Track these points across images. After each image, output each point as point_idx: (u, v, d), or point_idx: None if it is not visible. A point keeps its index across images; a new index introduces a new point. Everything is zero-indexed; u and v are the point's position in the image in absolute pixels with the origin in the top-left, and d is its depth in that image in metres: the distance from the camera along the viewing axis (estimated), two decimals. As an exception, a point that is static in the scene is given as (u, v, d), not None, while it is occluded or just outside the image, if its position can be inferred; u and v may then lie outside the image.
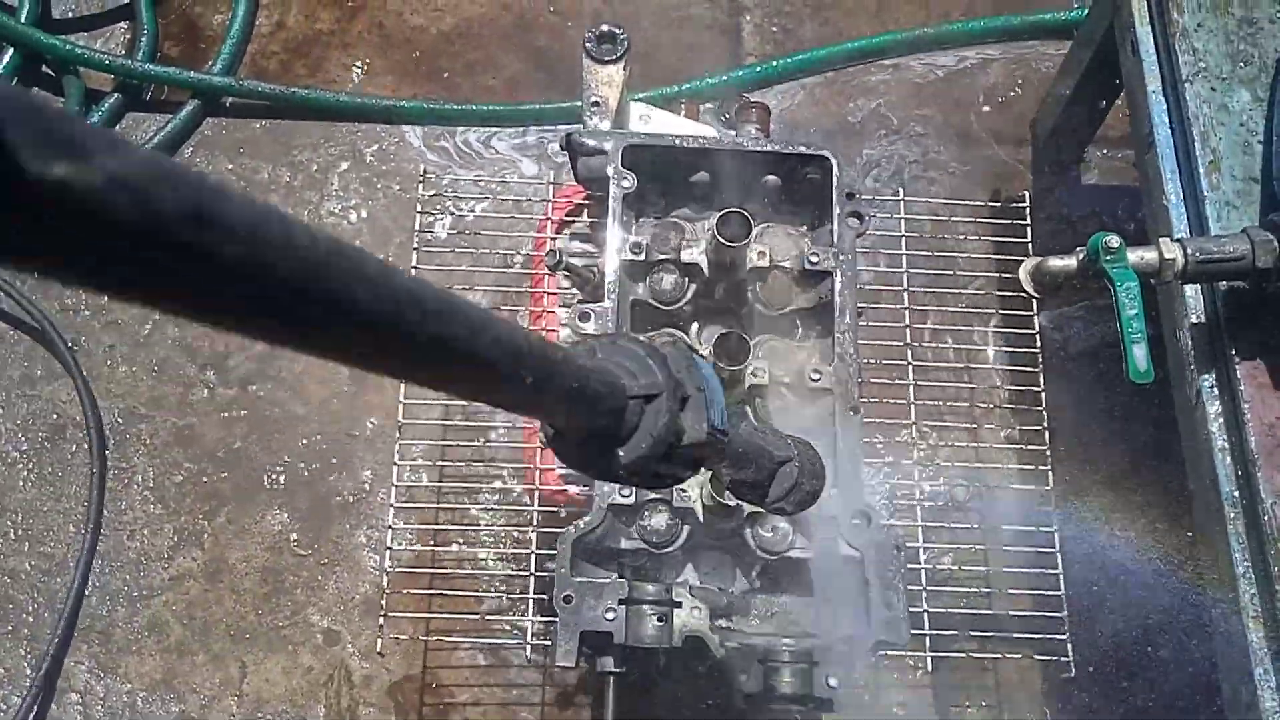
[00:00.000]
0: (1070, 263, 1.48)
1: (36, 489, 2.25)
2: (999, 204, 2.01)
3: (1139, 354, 1.36)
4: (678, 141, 1.78)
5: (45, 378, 2.33)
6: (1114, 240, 1.41)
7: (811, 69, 2.59)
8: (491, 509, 2.14)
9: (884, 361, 1.90)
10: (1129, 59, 1.82)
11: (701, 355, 1.63)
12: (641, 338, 0.74)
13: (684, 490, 1.58)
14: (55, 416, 2.30)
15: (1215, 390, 1.57)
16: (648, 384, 0.70)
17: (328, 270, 0.43)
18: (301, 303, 0.42)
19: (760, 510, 1.57)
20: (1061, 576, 1.83)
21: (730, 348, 1.62)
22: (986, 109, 2.56)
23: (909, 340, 1.92)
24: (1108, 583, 2.00)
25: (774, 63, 2.58)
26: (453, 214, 2.30)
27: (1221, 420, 1.55)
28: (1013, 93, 2.58)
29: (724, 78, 2.55)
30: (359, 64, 2.62)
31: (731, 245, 1.63)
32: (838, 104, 2.58)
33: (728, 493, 1.51)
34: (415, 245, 1.95)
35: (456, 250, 1.96)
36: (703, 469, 0.88)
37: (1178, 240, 1.45)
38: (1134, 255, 1.44)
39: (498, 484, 2.13)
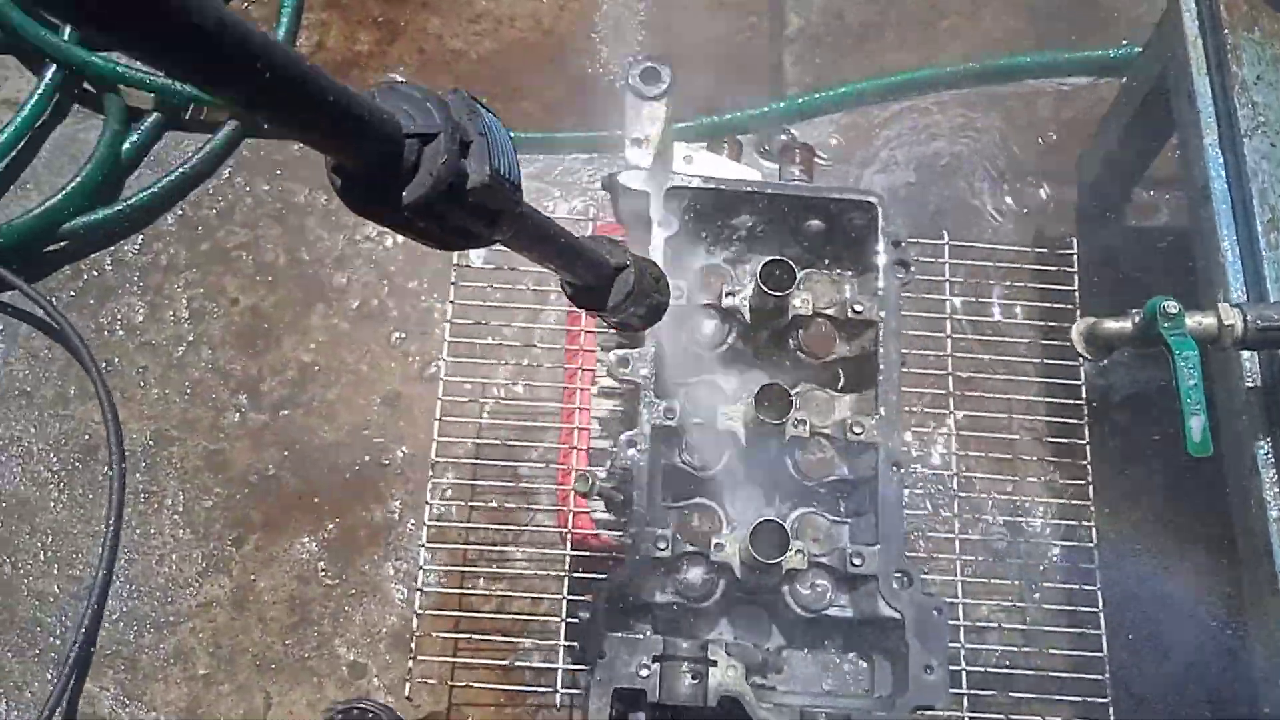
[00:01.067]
0: (1125, 325, 1.44)
1: (68, 510, 2.24)
2: (1045, 249, 1.97)
3: (1196, 426, 1.32)
4: (720, 186, 1.75)
5: (79, 397, 2.33)
6: (1172, 305, 1.37)
7: (853, 102, 2.55)
8: (524, 549, 2.11)
9: (926, 410, 1.87)
10: (1185, 108, 1.78)
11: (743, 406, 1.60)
12: (426, 88, 0.72)
13: (721, 544, 1.55)
14: (87, 437, 2.30)
15: (1271, 458, 1.53)
16: (425, 124, 0.68)
17: None
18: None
19: (800, 568, 1.54)
20: (1104, 636, 1.78)
21: (771, 396, 1.59)
22: (1031, 146, 2.52)
23: (950, 390, 1.88)
24: (1153, 645, 1.96)
25: (816, 95, 2.54)
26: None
27: (1277, 489, 1.51)
28: (1056, 130, 2.53)
29: (765, 110, 2.52)
30: (398, 87, 2.60)
31: (776, 294, 1.60)
32: (867, 138, 2.54)
33: (761, 550, 1.48)
34: (453, 279, 1.93)
35: (492, 285, 1.93)
36: (515, 247, 0.89)
37: (1237, 306, 1.41)
38: (1191, 320, 1.40)
39: (531, 524, 2.10)
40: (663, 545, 1.55)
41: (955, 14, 2.66)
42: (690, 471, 1.65)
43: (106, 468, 2.25)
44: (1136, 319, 1.43)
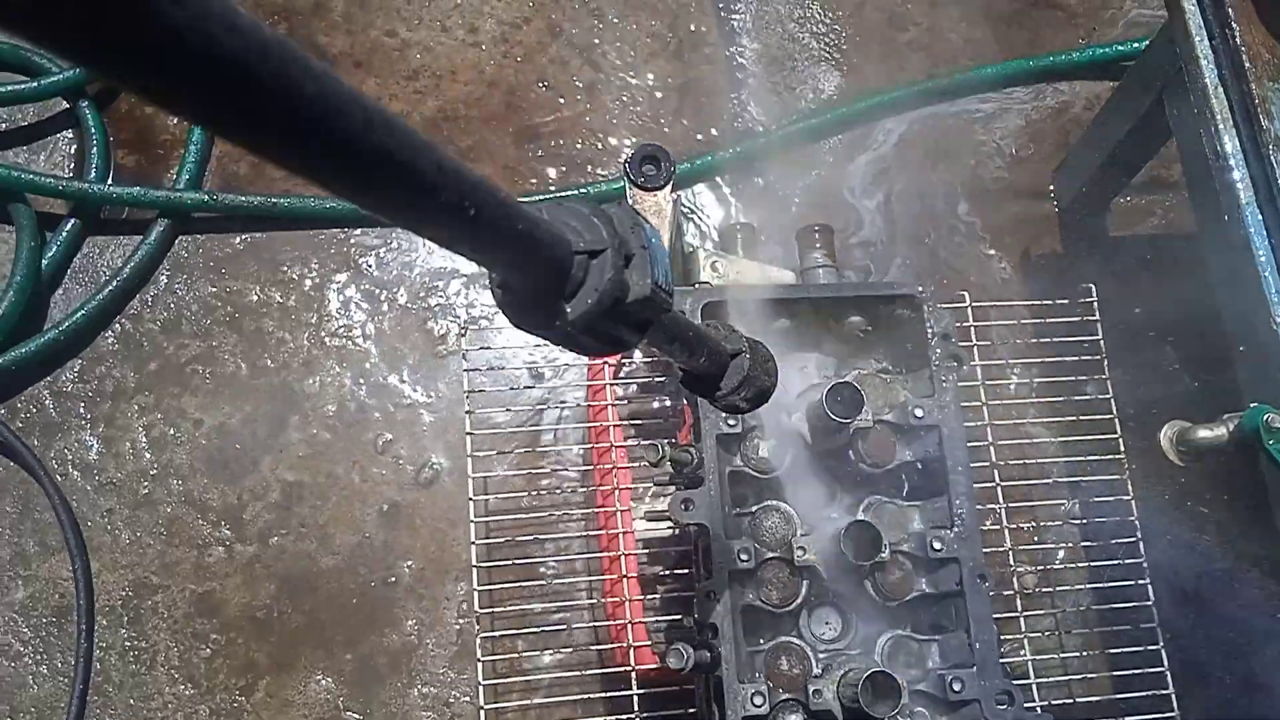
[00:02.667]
0: (1220, 434, 1.41)
1: (50, 682, 2.04)
2: (1066, 300, 1.93)
3: (1319, 550, 1.29)
4: (758, 293, 1.65)
5: (40, 554, 2.11)
6: (1276, 419, 1.34)
7: (825, 131, 2.46)
8: (583, 684, 2.00)
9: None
10: (1211, 165, 1.73)
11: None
12: (590, 203, 0.74)
13: (819, 691, 1.49)
14: (58, 597, 2.09)
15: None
16: (593, 240, 0.70)
17: (267, 53, 0.42)
18: (240, 85, 0.41)
19: (903, 702, 1.48)
20: (1168, 675, 1.78)
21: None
22: (1004, 162, 2.47)
23: (993, 459, 1.83)
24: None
25: (782, 130, 2.44)
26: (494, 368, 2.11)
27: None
28: (1034, 141, 2.49)
29: (736, 149, 2.40)
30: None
31: (843, 420, 1.52)
32: (846, 167, 2.46)
33: (871, 703, 1.42)
34: (468, 408, 1.79)
35: (511, 407, 1.80)
36: (652, 345, 0.90)
37: (1327, 404, 1.38)
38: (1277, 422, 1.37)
39: (587, 657, 2.00)
40: (759, 701, 1.48)
41: (913, 25, 2.58)
42: (770, 610, 1.57)
43: (81, 625, 2.05)
44: (1232, 427, 1.39)
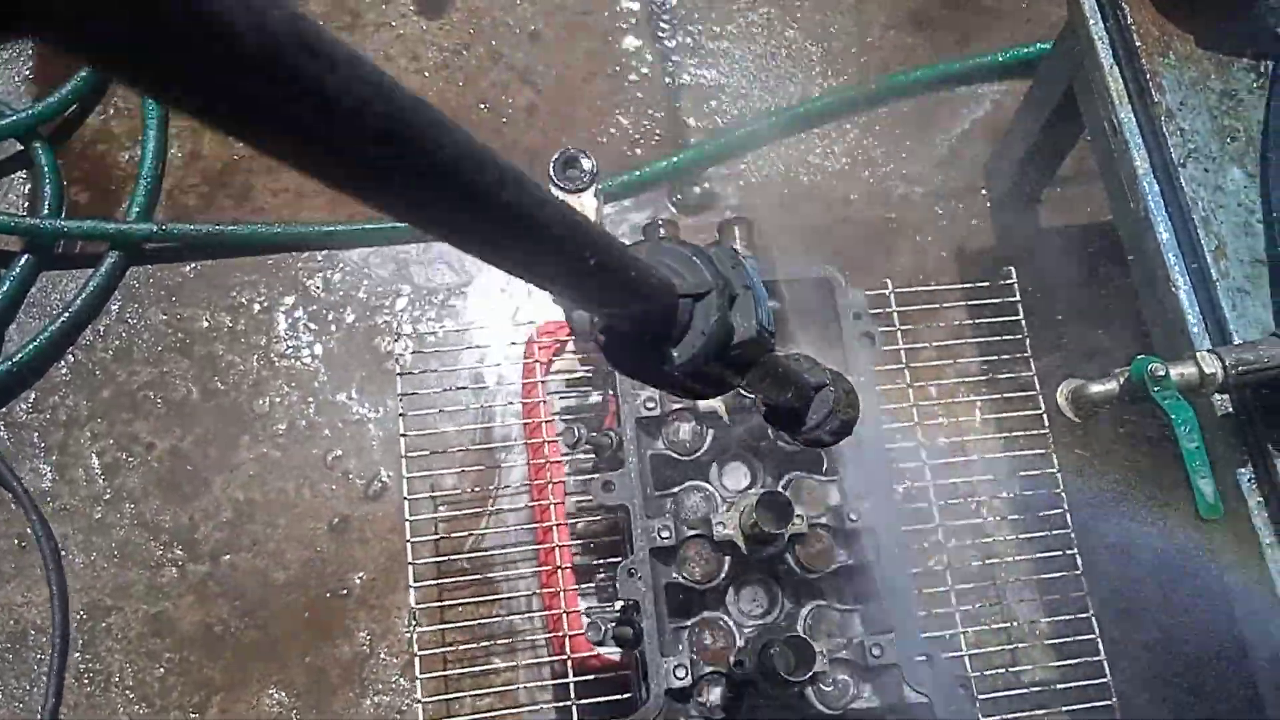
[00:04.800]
0: (1111, 387, 1.44)
1: (5, 710, 2.06)
2: (987, 284, 1.97)
3: (1207, 490, 1.33)
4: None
5: (-7, 581, 2.14)
6: (1160, 368, 1.38)
7: (759, 141, 2.52)
8: (517, 671, 2.03)
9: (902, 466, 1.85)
10: (1111, 140, 1.79)
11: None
12: (689, 242, 0.75)
13: (741, 661, 1.51)
14: (13, 623, 2.12)
15: (1254, 484, 1.55)
16: (697, 282, 0.70)
17: (409, 113, 0.42)
18: (390, 146, 0.42)
19: (823, 670, 1.51)
20: (1105, 662, 1.80)
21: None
22: (942, 157, 2.53)
23: (922, 439, 1.87)
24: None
25: (720, 140, 2.50)
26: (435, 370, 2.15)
27: (1266, 514, 1.54)
28: (964, 139, 2.55)
29: (675, 160, 2.46)
30: (287, 188, 2.46)
31: (775, 532, 1.53)
32: (783, 173, 2.52)
33: (785, 659, 1.44)
34: (402, 411, 1.83)
35: (442, 409, 1.84)
36: (747, 388, 0.88)
37: (1214, 353, 1.42)
38: (1174, 372, 1.41)
39: (520, 647, 2.02)
40: (681, 674, 1.50)
41: (844, 35, 2.65)
42: (692, 586, 1.59)
43: (43, 646, 2.08)
44: (1122, 380, 1.43)
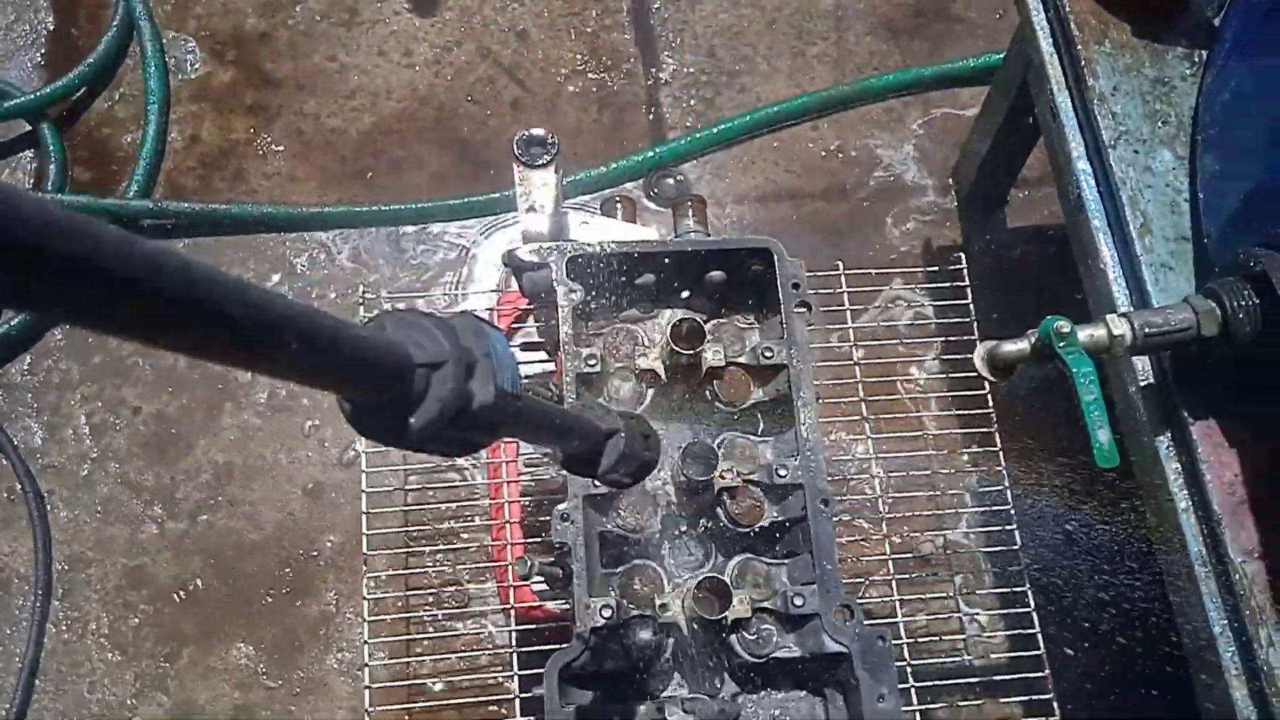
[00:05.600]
0: (1023, 346, 1.50)
1: (-14, 651, 2.16)
2: (937, 268, 2.04)
3: (1103, 438, 1.38)
4: (621, 249, 1.78)
5: (-18, 532, 2.25)
6: (1065, 325, 1.44)
7: (733, 137, 2.61)
8: (465, 625, 2.10)
9: (847, 436, 1.91)
10: (1049, 124, 1.86)
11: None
12: (433, 313, 0.76)
13: (665, 605, 1.57)
14: (-1, 571, 2.22)
15: (1173, 451, 1.60)
16: (434, 352, 0.72)
17: (56, 229, 0.42)
18: (35, 262, 0.41)
19: (746, 616, 1.56)
20: (1035, 614, 1.84)
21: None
22: (912, 159, 2.60)
23: (865, 415, 1.93)
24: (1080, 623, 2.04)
25: (697, 134, 2.59)
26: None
27: (1182, 480, 1.59)
28: (934, 142, 2.62)
29: (651, 154, 2.55)
30: (279, 171, 2.57)
31: (687, 352, 1.63)
32: (760, 170, 2.60)
33: (707, 609, 1.51)
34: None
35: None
36: (516, 439, 0.94)
37: (1124, 315, 1.48)
38: (1084, 334, 1.46)
39: (474, 605, 2.09)
40: (607, 613, 1.56)
41: (821, 39, 2.74)
42: (625, 535, 1.66)
43: (29, 598, 2.17)
44: (1033, 339, 1.49)
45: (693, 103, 2.67)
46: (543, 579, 1.66)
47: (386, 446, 0.75)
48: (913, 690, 1.79)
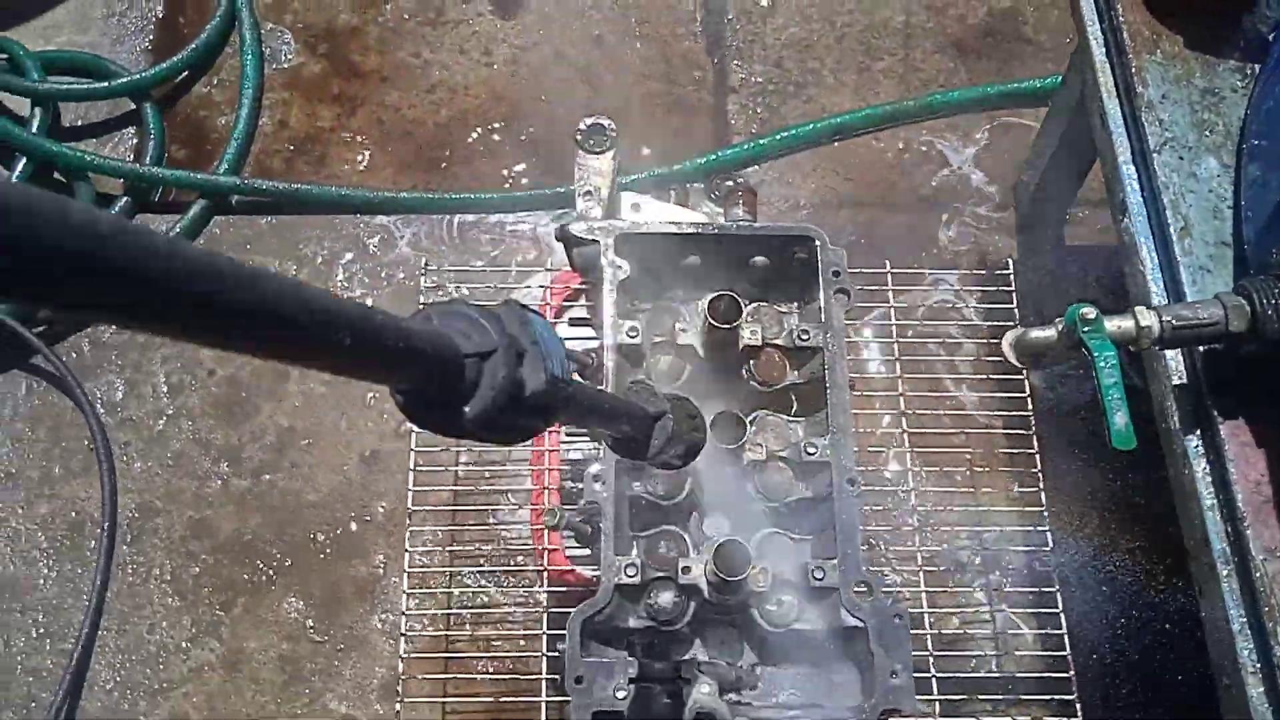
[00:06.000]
0: (1050, 333, 1.53)
1: (57, 586, 2.29)
2: (984, 271, 2.07)
3: (1120, 421, 1.41)
4: (668, 229, 1.85)
5: (63, 477, 2.39)
6: (1090, 311, 1.46)
7: (796, 145, 2.67)
8: (504, 590, 2.17)
9: (879, 431, 1.95)
10: (1099, 131, 1.89)
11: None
12: (478, 303, 0.77)
13: (688, 568, 1.62)
14: (74, 514, 2.35)
15: (1201, 450, 1.61)
16: (482, 342, 0.73)
17: (108, 243, 0.43)
18: (84, 277, 0.43)
19: (764, 586, 1.61)
20: (1066, 635, 1.85)
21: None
22: (974, 176, 2.64)
23: (903, 409, 1.96)
24: (1111, 637, 2.03)
25: (761, 141, 2.66)
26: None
27: (1209, 479, 1.60)
28: (995, 159, 2.65)
29: (713, 157, 2.63)
30: (360, 157, 2.71)
31: (723, 327, 1.69)
32: (820, 178, 2.65)
33: (727, 569, 1.55)
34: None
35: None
36: (568, 424, 0.95)
37: (1153, 308, 1.50)
38: (1111, 324, 1.49)
39: (510, 565, 2.17)
40: (632, 572, 1.62)
41: (888, 55, 2.79)
42: (656, 501, 1.72)
43: (97, 537, 2.30)
44: (1060, 327, 1.52)
45: (758, 110, 2.74)
46: (572, 533, 1.73)
47: (445, 435, 0.75)
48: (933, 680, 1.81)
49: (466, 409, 0.72)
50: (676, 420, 1.15)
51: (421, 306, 0.76)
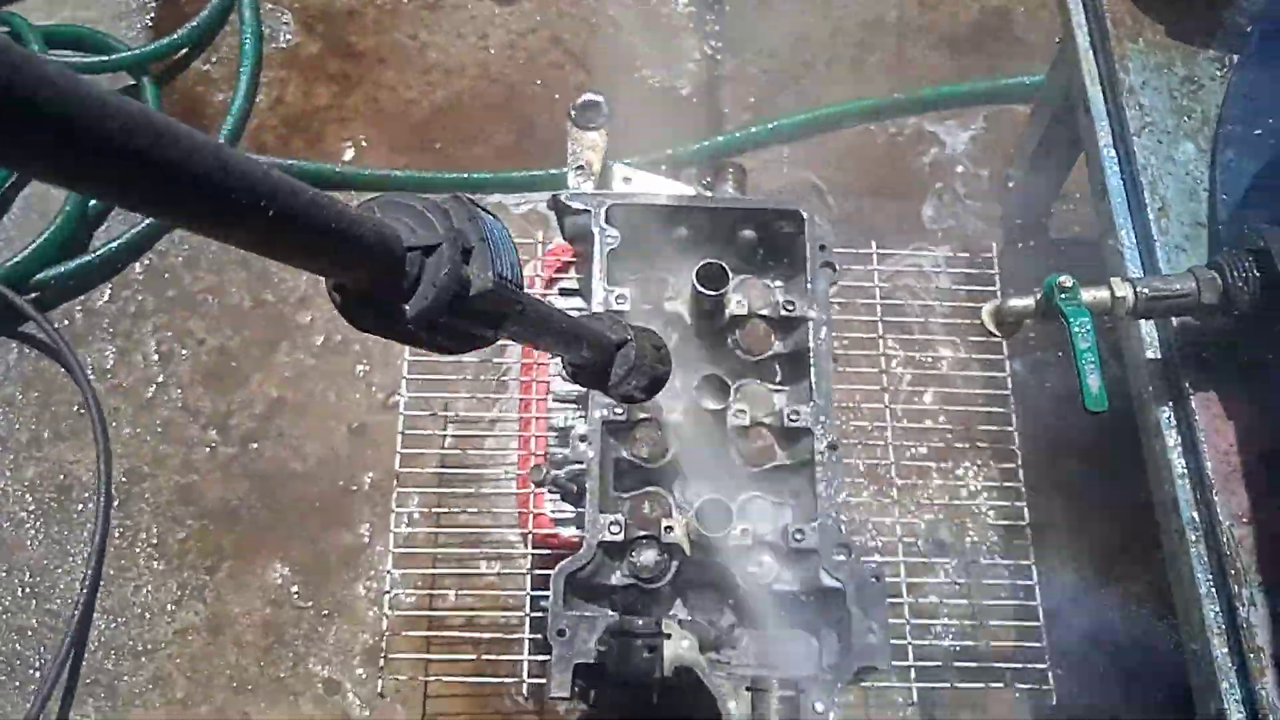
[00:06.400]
0: (1029, 302, 1.57)
1: (44, 548, 2.31)
2: (968, 254, 2.11)
3: (1093, 383, 1.44)
4: (659, 200, 1.88)
5: (52, 440, 2.40)
6: (1067, 280, 1.51)
7: (788, 135, 2.71)
8: (490, 561, 2.20)
9: (862, 405, 1.99)
10: (1082, 116, 1.94)
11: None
12: (424, 196, 0.72)
13: (670, 527, 1.65)
14: (62, 478, 2.37)
15: (1173, 421, 1.65)
16: (426, 235, 0.68)
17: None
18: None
19: (745, 545, 1.64)
20: (1040, 607, 1.89)
21: (711, 385, 1.71)
22: (959, 168, 2.68)
23: (885, 386, 2.00)
24: (1086, 615, 2.07)
25: (752, 129, 2.70)
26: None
27: (1180, 449, 1.64)
28: (983, 152, 2.70)
29: (705, 144, 2.67)
30: (355, 136, 2.74)
31: (711, 294, 1.72)
32: (815, 166, 2.70)
33: (709, 526, 1.59)
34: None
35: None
36: (521, 340, 0.88)
37: (1128, 280, 1.54)
38: (1088, 294, 1.53)
39: (493, 532, 2.19)
40: (615, 529, 1.65)
41: (882, 50, 2.84)
42: (640, 464, 1.75)
43: (88, 504, 2.32)
44: (1039, 295, 1.56)
45: (752, 100, 2.79)
46: (557, 491, 1.76)
47: (384, 339, 0.70)
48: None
49: (407, 307, 0.67)
50: (640, 351, 1.12)
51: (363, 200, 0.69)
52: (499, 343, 0.79)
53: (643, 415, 1.76)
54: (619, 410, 1.73)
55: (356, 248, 0.62)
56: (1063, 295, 1.50)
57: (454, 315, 0.70)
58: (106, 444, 2.36)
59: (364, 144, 2.73)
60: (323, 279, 0.68)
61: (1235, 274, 1.50)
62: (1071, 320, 1.48)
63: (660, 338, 1.22)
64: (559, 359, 1.15)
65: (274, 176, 0.55)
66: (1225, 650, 1.51)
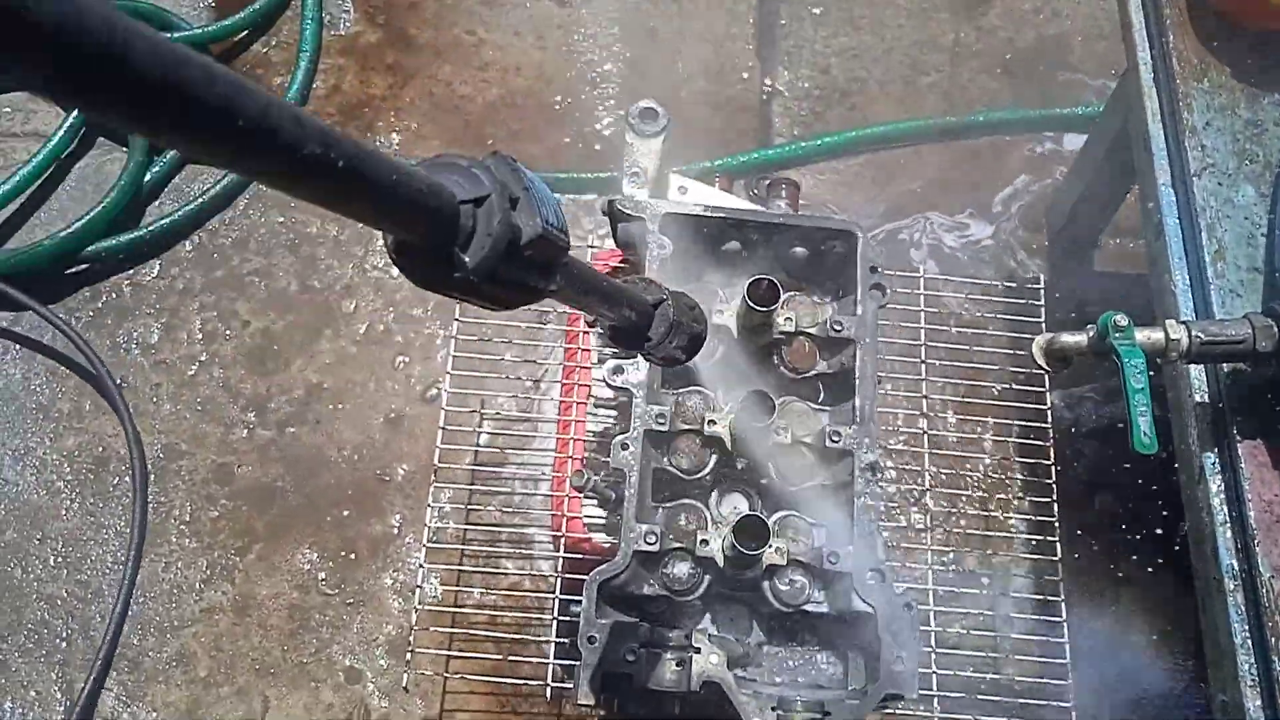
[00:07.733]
0: (1081, 339, 1.56)
1: (78, 519, 2.33)
2: (1014, 284, 2.10)
3: (1144, 425, 1.44)
4: (713, 212, 1.89)
5: (93, 412, 2.43)
6: (1122, 319, 1.50)
7: (836, 152, 2.71)
8: (515, 555, 2.21)
9: (900, 429, 1.98)
10: (1141, 154, 1.92)
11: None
12: (467, 156, 0.76)
13: (705, 540, 1.66)
14: (100, 450, 2.40)
15: (1217, 467, 1.64)
16: (474, 188, 0.71)
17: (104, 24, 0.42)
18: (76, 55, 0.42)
19: (779, 563, 1.64)
20: (1068, 645, 1.88)
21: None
22: (1005, 194, 2.67)
23: (924, 410, 1.99)
24: (1114, 660, 2.05)
25: (801, 144, 2.70)
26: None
27: (1223, 496, 1.62)
28: (1029, 181, 2.69)
29: (754, 155, 2.67)
30: (408, 128, 2.75)
31: (760, 309, 1.73)
32: (864, 185, 2.69)
33: (743, 542, 1.59)
34: (457, 315, 2.04)
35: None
36: (568, 300, 0.91)
37: (1183, 322, 1.54)
38: (1141, 335, 1.52)
39: (523, 532, 2.20)
40: (651, 540, 1.65)
41: (935, 71, 2.83)
42: (679, 476, 1.75)
43: (124, 477, 2.35)
44: (1091, 333, 1.55)
45: (802, 114, 2.78)
46: (595, 496, 1.76)
47: (443, 294, 0.73)
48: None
49: (466, 257, 0.71)
50: (677, 310, 1.14)
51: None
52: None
53: (684, 426, 1.76)
54: (661, 420, 1.73)
55: (417, 199, 0.66)
56: (1117, 334, 1.50)
57: (509, 263, 0.73)
58: (135, 427, 2.38)
59: (417, 136, 2.75)
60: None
61: (1293, 323, 1.49)
62: (1125, 360, 1.47)
63: (693, 299, 1.22)
64: (599, 323, 1.18)
65: (342, 134, 0.58)
66: (1259, 703, 1.49)
